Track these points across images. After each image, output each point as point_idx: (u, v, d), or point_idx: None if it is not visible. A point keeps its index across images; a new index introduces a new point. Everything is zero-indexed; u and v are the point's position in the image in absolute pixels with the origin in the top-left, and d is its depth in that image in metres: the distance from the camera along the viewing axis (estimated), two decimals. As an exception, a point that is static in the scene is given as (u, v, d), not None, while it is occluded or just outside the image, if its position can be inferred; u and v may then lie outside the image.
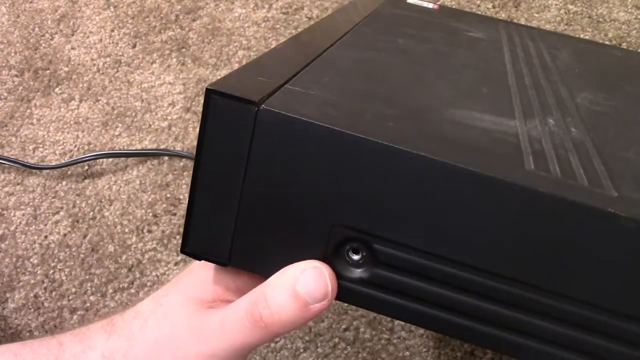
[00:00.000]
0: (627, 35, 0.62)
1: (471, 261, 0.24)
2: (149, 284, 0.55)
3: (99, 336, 0.29)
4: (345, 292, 0.25)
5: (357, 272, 0.25)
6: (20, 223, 0.57)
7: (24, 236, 0.57)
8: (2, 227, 0.57)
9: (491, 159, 0.24)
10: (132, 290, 0.55)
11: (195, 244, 0.26)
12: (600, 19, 0.63)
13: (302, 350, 0.52)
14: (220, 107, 0.23)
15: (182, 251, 0.26)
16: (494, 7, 0.64)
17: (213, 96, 0.23)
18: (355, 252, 0.25)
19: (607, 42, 0.62)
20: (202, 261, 0.27)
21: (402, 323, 0.52)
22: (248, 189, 0.24)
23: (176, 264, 0.55)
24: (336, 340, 0.52)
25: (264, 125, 0.23)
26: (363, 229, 0.24)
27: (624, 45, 0.62)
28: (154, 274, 0.55)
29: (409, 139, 0.23)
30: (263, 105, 0.23)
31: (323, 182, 0.24)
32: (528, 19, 0.63)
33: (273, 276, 0.25)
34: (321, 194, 0.24)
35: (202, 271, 0.29)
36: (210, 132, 0.24)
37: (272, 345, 0.52)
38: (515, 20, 0.63)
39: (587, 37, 0.62)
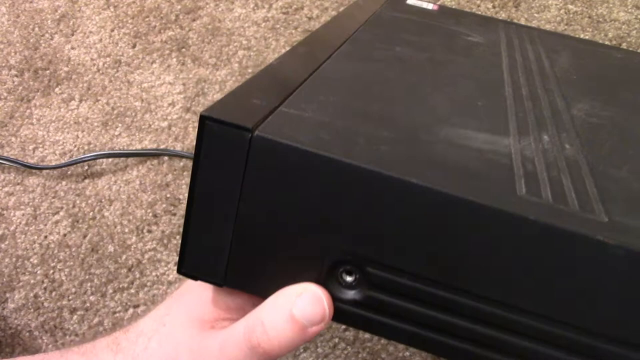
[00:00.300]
0: (627, 35, 0.62)
1: (462, 285, 0.24)
2: (149, 284, 0.55)
3: (106, 356, 0.29)
4: (338, 313, 0.26)
5: (351, 294, 0.26)
6: (20, 223, 0.57)
7: (24, 236, 0.57)
8: (2, 227, 0.57)
9: (483, 184, 0.24)
10: (132, 290, 0.55)
11: (191, 265, 0.26)
12: (600, 19, 0.63)
13: (302, 350, 0.52)
14: (215, 133, 0.24)
15: (179, 272, 0.27)
16: (494, 7, 0.64)
17: (207, 122, 0.24)
18: (349, 273, 0.25)
19: (607, 42, 0.62)
20: (204, 288, 0.28)
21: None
22: (243, 212, 0.25)
23: (176, 264, 0.55)
24: (336, 340, 0.52)
25: (257, 151, 0.24)
26: (356, 253, 0.24)
27: (624, 45, 0.62)
28: (154, 274, 0.55)
29: (401, 165, 0.24)
30: (257, 132, 0.23)
31: (316, 207, 0.24)
32: (528, 19, 0.63)
33: (269, 300, 0.26)
34: (315, 218, 0.24)
35: (203, 290, 0.29)
36: (205, 157, 0.24)
37: (272, 345, 0.52)
38: (516, 20, 0.63)
39: (587, 37, 0.62)
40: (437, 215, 0.23)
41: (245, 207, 0.25)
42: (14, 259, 0.57)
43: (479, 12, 0.64)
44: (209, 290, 0.29)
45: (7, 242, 0.57)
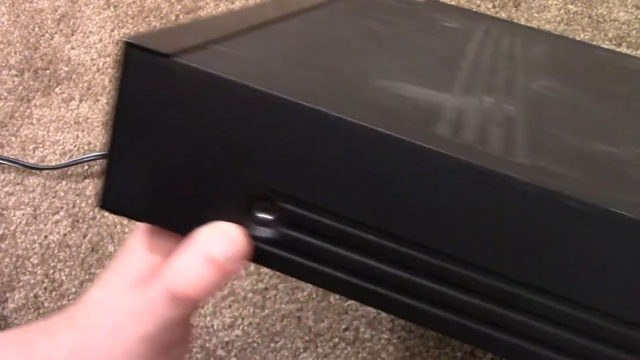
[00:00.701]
0: (627, 35, 0.62)
1: (375, 223, 0.23)
2: (149, 284, 0.55)
3: (65, 334, 0.29)
4: (255, 253, 0.26)
5: (266, 232, 0.25)
6: (20, 223, 0.57)
7: (24, 236, 0.57)
8: (2, 227, 0.57)
9: (398, 120, 0.23)
10: (132, 290, 0.55)
11: (113, 199, 0.26)
12: (600, 19, 0.63)
13: (302, 350, 0.52)
14: (136, 59, 0.24)
15: (101, 207, 0.26)
16: (494, 7, 0.64)
17: (130, 48, 0.24)
18: (265, 211, 0.25)
19: (607, 42, 0.62)
20: (139, 238, 0.28)
21: (403, 322, 0.52)
22: (162, 144, 0.25)
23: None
24: (336, 340, 0.52)
25: (177, 79, 0.23)
26: (271, 187, 0.24)
27: (624, 45, 0.62)
28: (154, 274, 0.55)
29: (316, 97, 0.23)
30: (176, 59, 0.23)
31: (234, 138, 0.24)
32: (528, 19, 0.63)
33: (184, 245, 0.25)
34: (232, 150, 0.24)
35: (140, 249, 0.29)
36: (126, 85, 0.24)
37: (272, 345, 0.52)
38: (515, 21, 0.63)
39: (587, 37, 0.62)
40: (346, 147, 0.23)
41: (164, 139, 0.24)
42: (14, 259, 0.57)
43: (479, 12, 0.64)
44: (144, 247, 0.28)
45: (7, 242, 0.57)
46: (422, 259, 0.23)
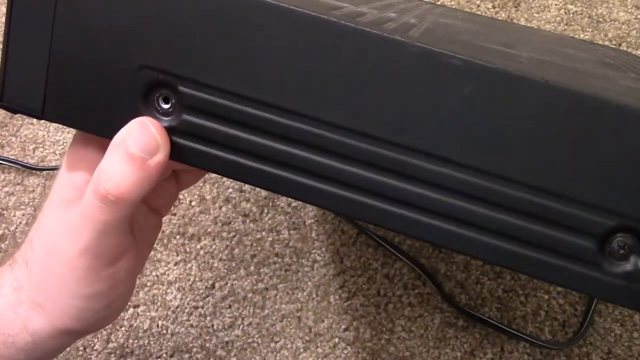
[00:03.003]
0: (627, 35, 0.62)
1: (271, 100, 0.24)
2: (149, 284, 0.55)
3: (7, 274, 0.30)
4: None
5: (166, 121, 0.25)
6: (20, 223, 0.58)
7: (24, 236, 0.57)
8: (2, 227, 0.57)
9: (293, 1, 0.24)
10: (132, 290, 0.55)
11: (10, 96, 0.26)
12: (600, 19, 0.63)
13: (302, 350, 0.52)
14: None
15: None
16: (494, 7, 0.64)
17: None
18: (166, 101, 0.25)
19: (607, 42, 0.62)
20: (61, 164, 0.28)
21: (403, 324, 0.52)
22: (57, 33, 0.25)
23: (176, 264, 0.55)
24: (336, 340, 0.52)
25: None
26: (166, 70, 0.24)
27: (624, 45, 0.62)
28: (154, 274, 0.55)
29: None
30: None
31: (127, 21, 0.24)
32: (528, 19, 0.63)
33: (108, 148, 0.26)
34: (126, 34, 0.24)
35: (62, 171, 0.29)
36: None
37: (272, 345, 0.52)
38: (515, 21, 0.63)
39: (587, 37, 0.62)
40: (240, 23, 0.23)
41: (59, 28, 0.25)
42: (14, 259, 0.57)
43: (479, 12, 0.64)
44: (65, 163, 0.29)
45: (7, 242, 0.57)
46: (322, 134, 0.24)
